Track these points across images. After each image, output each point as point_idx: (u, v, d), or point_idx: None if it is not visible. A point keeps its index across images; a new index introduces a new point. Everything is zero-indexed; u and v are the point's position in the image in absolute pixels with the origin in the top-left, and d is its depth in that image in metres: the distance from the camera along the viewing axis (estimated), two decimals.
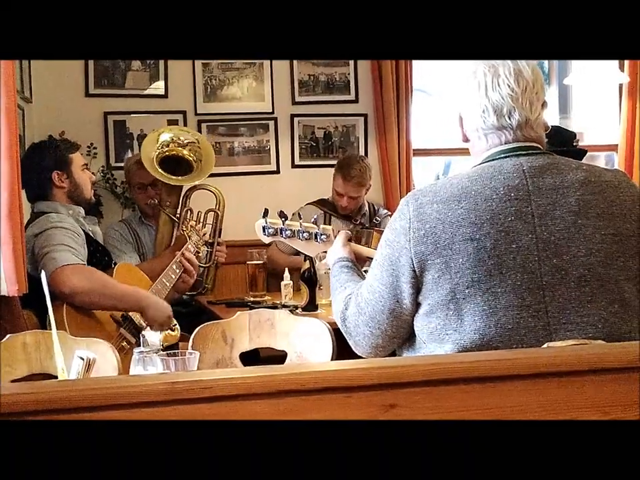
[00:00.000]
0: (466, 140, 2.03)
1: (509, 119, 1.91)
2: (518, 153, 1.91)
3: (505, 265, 1.80)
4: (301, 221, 2.37)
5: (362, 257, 2.30)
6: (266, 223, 2.38)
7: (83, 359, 1.91)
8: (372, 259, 2.26)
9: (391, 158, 5.27)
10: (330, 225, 4.66)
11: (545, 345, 1.76)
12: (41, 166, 3.48)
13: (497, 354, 1.65)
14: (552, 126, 2.07)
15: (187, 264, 3.72)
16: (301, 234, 2.35)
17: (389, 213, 4.86)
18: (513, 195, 1.84)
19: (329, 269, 3.84)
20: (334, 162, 4.95)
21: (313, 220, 2.35)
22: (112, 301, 3.19)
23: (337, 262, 2.24)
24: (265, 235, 2.40)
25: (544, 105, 1.96)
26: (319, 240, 2.34)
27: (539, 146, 1.95)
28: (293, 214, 4.67)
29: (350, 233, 2.38)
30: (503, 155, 1.92)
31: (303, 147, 5.32)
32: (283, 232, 2.37)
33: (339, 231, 2.35)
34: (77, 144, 3.70)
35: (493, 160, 1.92)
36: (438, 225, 1.83)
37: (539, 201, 1.84)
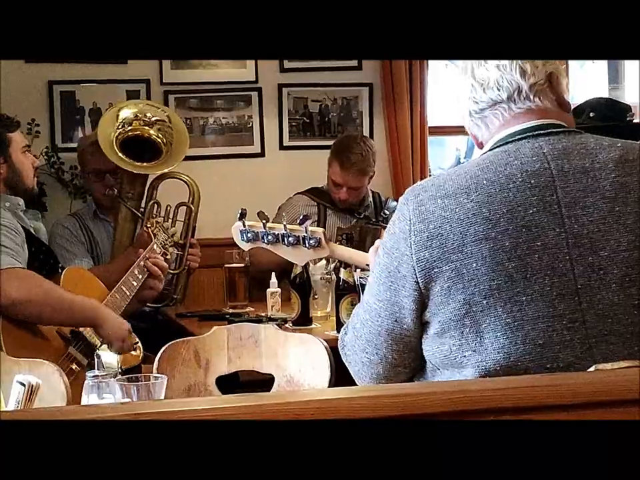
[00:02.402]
0: (478, 142, 2.05)
1: (498, 89, 1.95)
2: (535, 133, 1.92)
3: (530, 267, 1.81)
4: (284, 222, 2.36)
5: None
6: (244, 226, 2.37)
7: (23, 385, 1.91)
8: None
9: (402, 138, 5.28)
10: (325, 220, 4.68)
11: (592, 368, 1.76)
12: None
13: (533, 379, 1.66)
14: (600, 98, 2.10)
15: (154, 267, 3.71)
16: (286, 238, 2.34)
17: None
18: (533, 181, 1.85)
19: (326, 273, 3.89)
20: (331, 143, 4.95)
21: (299, 220, 2.34)
22: (57, 314, 3.19)
23: None
24: (242, 240, 2.39)
25: (551, 76, 1.97)
26: (307, 245, 2.33)
27: (561, 123, 1.96)
28: (280, 207, 4.67)
29: None
30: (517, 137, 1.93)
31: (294, 124, 5.32)
32: (264, 237, 2.36)
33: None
34: (16, 121, 3.70)
35: (506, 144, 1.93)
36: (444, 224, 1.83)
37: (566, 187, 1.85)
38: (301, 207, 4.63)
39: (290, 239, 2.33)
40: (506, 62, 1.94)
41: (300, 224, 2.32)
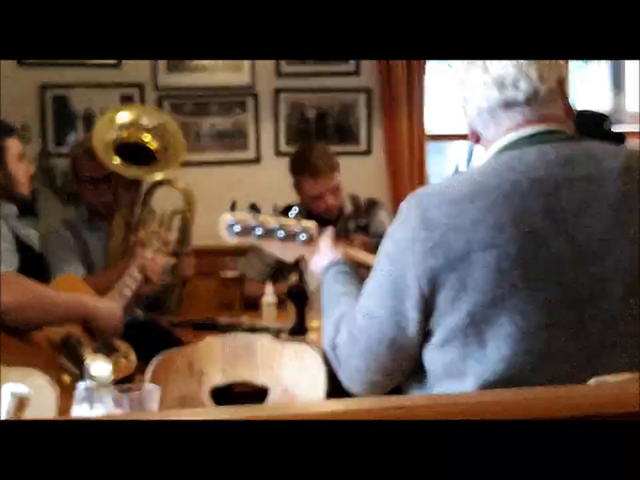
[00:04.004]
0: (476, 137, 2.04)
1: (515, 90, 1.93)
2: (540, 139, 1.93)
3: (534, 276, 1.81)
4: (278, 215, 2.33)
5: (356, 265, 2.28)
6: (233, 219, 2.33)
7: (14, 395, 1.91)
8: (369, 265, 2.24)
9: (400, 144, 5.28)
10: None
11: (593, 380, 1.76)
12: None
13: (532, 392, 1.65)
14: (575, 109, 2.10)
15: (152, 264, 3.72)
16: (276, 232, 2.31)
17: (379, 201, 4.81)
18: (538, 189, 1.85)
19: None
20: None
21: (293, 213, 2.32)
22: (50, 314, 3.19)
23: (330, 267, 2.23)
24: (230, 234, 2.34)
25: (561, 81, 1.98)
26: (297, 240, 2.31)
27: (565, 130, 1.97)
28: None
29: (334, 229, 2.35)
30: (522, 143, 1.93)
31: (291, 129, 5.32)
32: (255, 230, 2.32)
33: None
34: (12, 127, 3.69)
35: (510, 150, 1.93)
36: (449, 231, 1.83)
37: (571, 195, 1.85)
38: None
39: (280, 232, 2.30)
40: (523, 62, 1.93)
41: (294, 217, 2.29)
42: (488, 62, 1.95)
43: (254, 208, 2.32)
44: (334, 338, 2.04)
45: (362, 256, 2.32)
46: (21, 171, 3.62)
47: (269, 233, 2.31)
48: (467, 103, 2.01)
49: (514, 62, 1.93)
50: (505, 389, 1.77)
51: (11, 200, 3.57)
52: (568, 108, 2.01)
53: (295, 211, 2.33)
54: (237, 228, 2.32)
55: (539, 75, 1.93)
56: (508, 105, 1.95)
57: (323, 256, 2.28)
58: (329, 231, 2.33)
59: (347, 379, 2.03)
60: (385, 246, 1.95)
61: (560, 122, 1.97)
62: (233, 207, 2.32)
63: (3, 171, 3.53)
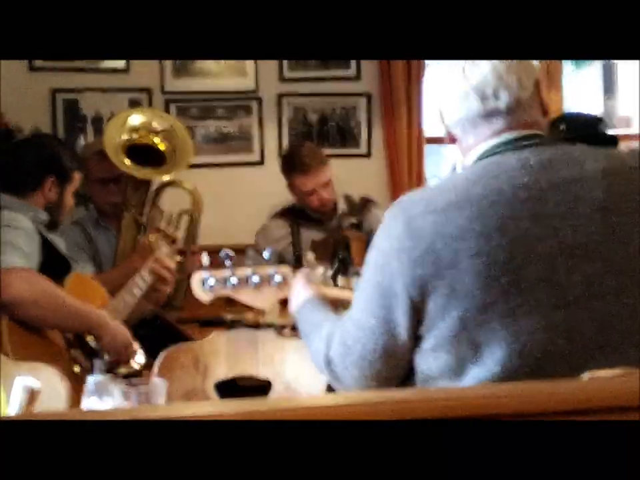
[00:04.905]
0: (451, 140, 2.02)
1: (496, 100, 1.90)
2: (520, 144, 1.90)
3: (525, 280, 1.79)
4: (250, 262, 2.31)
5: (331, 300, 2.25)
6: (207, 273, 2.28)
7: (25, 389, 1.91)
8: (344, 301, 2.24)
9: (400, 147, 5.28)
10: (300, 236, 4.64)
11: (586, 375, 1.75)
12: (39, 162, 3.54)
13: (529, 386, 1.65)
14: (570, 112, 2.10)
15: (163, 271, 3.71)
16: (251, 278, 2.28)
17: (373, 200, 4.80)
18: (523, 195, 1.82)
19: (324, 280, 3.86)
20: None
21: (268, 255, 2.28)
22: (61, 318, 3.18)
23: (304, 304, 2.20)
24: (205, 289, 2.30)
25: (538, 83, 1.95)
26: (272, 282, 2.28)
27: (543, 134, 1.94)
28: (257, 234, 4.65)
29: (307, 272, 2.33)
30: (502, 149, 1.90)
31: (293, 133, 5.33)
32: (229, 280, 2.28)
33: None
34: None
35: (491, 156, 1.91)
36: (437, 240, 1.80)
37: (557, 198, 1.83)
38: (275, 231, 4.61)
39: (255, 277, 2.29)
40: (501, 70, 1.89)
41: (269, 261, 2.29)
42: (467, 70, 1.92)
43: (227, 256, 2.28)
44: (327, 353, 2.00)
45: (336, 293, 2.31)
46: (69, 204, 3.69)
47: (242, 282, 2.29)
48: (446, 111, 1.98)
49: (493, 69, 1.89)
50: (496, 383, 1.77)
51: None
52: (545, 108, 1.98)
53: (268, 252, 2.31)
54: (211, 281, 2.28)
55: (519, 82, 1.90)
56: (488, 114, 1.92)
57: (297, 296, 2.25)
58: (302, 272, 2.32)
59: (345, 389, 2.00)
60: (372, 256, 1.93)
61: (538, 126, 1.94)
62: (207, 263, 2.29)
63: (59, 195, 3.58)
